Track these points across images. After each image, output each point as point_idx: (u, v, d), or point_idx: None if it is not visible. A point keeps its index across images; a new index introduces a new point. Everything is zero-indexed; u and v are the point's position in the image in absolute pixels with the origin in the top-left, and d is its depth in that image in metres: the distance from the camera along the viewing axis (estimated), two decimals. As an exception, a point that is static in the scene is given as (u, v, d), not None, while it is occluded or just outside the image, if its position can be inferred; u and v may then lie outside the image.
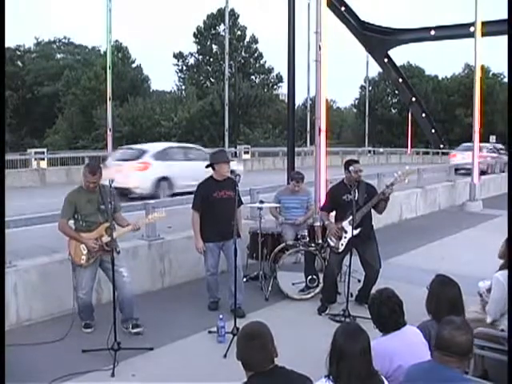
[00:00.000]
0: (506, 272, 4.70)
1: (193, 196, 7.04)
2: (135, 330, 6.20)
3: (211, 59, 56.55)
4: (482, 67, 30.70)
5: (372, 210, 7.00)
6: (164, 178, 15.71)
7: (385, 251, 7.42)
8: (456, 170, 19.20)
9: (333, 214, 7.30)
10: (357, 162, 7.14)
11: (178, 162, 16.43)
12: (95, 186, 6.06)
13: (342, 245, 6.92)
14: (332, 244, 7.03)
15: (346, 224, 6.86)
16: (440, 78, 65.14)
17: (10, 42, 55.42)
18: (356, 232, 6.68)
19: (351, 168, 6.87)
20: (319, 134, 9.65)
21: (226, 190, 6.80)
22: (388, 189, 6.84)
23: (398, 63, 46.04)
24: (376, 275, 6.99)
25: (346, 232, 6.87)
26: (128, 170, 15.13)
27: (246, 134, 48.77)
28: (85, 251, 6.04)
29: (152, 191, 15.10)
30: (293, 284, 7.45)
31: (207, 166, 7.06)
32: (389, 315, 3.81)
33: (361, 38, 40.82)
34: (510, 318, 4.19)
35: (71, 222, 6.16)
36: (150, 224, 7.69)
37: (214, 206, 6.77)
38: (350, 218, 6.67)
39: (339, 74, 68.43)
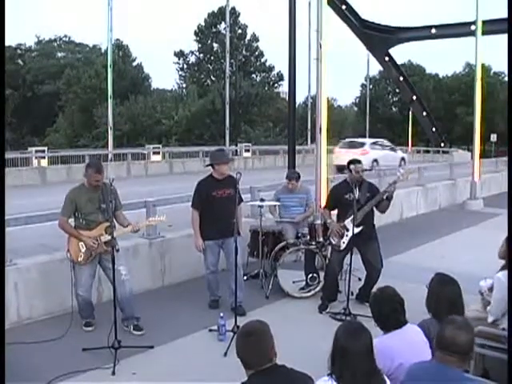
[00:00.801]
0: (507, 272, 4.69)
1: (192, 194, 7.04)
2: (136, 332, 6.19)
3: (212, 57, 56.57)
4: (483, 66, 30.63)
5: (374, 210, 7.01)
6: (375, 160, 25.62)
7: (385, 250, 7.41)
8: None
9: (335, 212, 7.30)
10: (359, 161, 7.15)
11: (380, 150, 27.90)
12: (99, 183, 6.06)
13: (344, 243, 6.93)
14: (334, 242, 7.03)
15: (347, 222, 6.87)
16: (441, 76, 65.17)
17: (10, 40, 55.55)
18: (357, 230, 6.69)
19: (352, 167, 6.91)
20: (320, 133, 9.64)
21: (226, 189, 6.80)
22: (390, 187, 6.85)
23: (399, 62, 45.97)
24: (377, 275, 6.99)
25: (347, 230, 6.88)
26: (355, 155, 19.05)
27: (247, 132, 48.81)
28: (83, 249, 6.04)
29: (369, 167, 22.23)
30: (293, 282, 7.45)
31: (207, 166, 7.07)
32: (390, 313, 3.81)
33: (361, 36, 40.75)
34: (510, 317, 4.19)
35: (71, 219, 6.16)
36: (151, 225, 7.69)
37: (214, 205, 6.77)
38: (352, 216, 6.68)
39: (340, 73, 68.36)
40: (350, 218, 6.77)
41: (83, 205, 6.05)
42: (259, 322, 3.24)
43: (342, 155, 22.38)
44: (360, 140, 30.28)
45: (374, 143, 28.87)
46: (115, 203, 6.16)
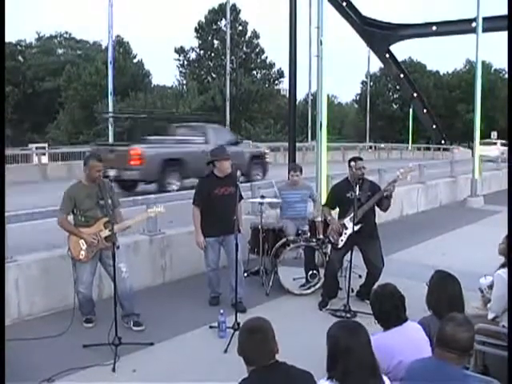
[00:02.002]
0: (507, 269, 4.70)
1: (194, 192, 7.04)
2: (136, 328, 6.21)
3: (212, 54, 56.45)
4: (484, 63, 30.59)
5: (375, 208, 7.02)
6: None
7: (386, 247, 7.41)
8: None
9: (336, 210, 7.30)
10: (360, 159, 7.16)
11: None
12: (101, 174, 6.07)
13: (342, 241, 6.94)
14: (332, 240, 7.04)
15: (347, 220, 6.87)
16: (441, 73, 65.10)
17: (11, 36, 55.51)
18: (356, 228, 6.68)
19: (353, 164, 6.91)
20: (320, 130, 9.64)
21: (227, 187, 6.81)
22: (390, 186, 6.86)
23: (400, 58, 45.92)
24: (379, 273, 6.99)
25: (346, 228, 6.89)
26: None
27: (248, 129, 48.72)
28: (84, 246, 6.04)
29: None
30: (294, 279, 7.46)
31: (208, 163, 7.08)
32: (391, 311, 3.81)
33: (362, 33, 40.71)
34: (510, 314, 4.20)
35: (70, 217, 6.16)
36: (150, 219, 7.70)
37: (215, 202, 6.78)
38: (352, 214, 6.68)
39: (340, 70, 68.38)
40: (350, 216, 6.78)
41: (82, 201, 6.06)
42: (261, 319, 3.25)
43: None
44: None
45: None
46: (113, 200, 6.17)
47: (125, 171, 14.89)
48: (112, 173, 14.44)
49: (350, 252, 6.96)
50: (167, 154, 15.59)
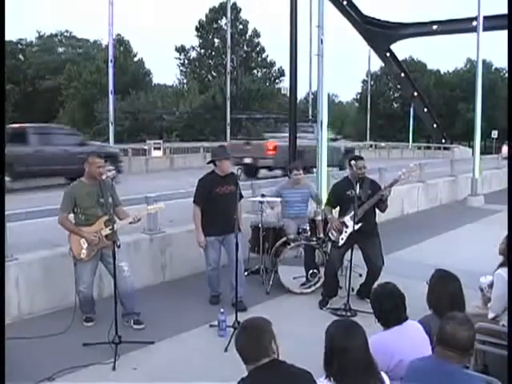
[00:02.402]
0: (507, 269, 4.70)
1: (194, 190, 7.05)
2: (137, 327, 6.21)
3: (213, 53, 56.50)
4: (484, 62, 30.61)
5: (375, 207, 7.03)
6: None
7: (386, 246, 7.41)
8: None
9: (337, 209, 7.30)
10: (361, 158, 7.16)
11: None
12: (101, 170, 6.07)
13: (342, 239, 6.94)
14: (332, 238, 7.05)
15: (347, 219, 6.88)
16: (442, 72, 65.19)
17: (11, 35, 55.50)
18: (357, 227, 6.69)
19: (353, 163, 6.92)
20: (321, 128, 9.64)
21: (228, 186, 6.82)
22: (386, 191, 6.87)
23: (400, 57, 45.98)
24: (378, 272, 7.00)
25: (346, 226, 6.89)
26: None
27: (248, 127, 48.71)
28: (85, 245, 6.04)
29: None
30: (294, 278, 7.46)
31: (208, 163, 7.08)
32: (391, 310, 3.81)
33: (363, 32, 40.71)
34: (510, 313, 4.20)
35: (71, 216, 6.16)
36: (151, 216, 7.70)
37: (216, 201, 6.78)
38: (352, 213, 6.69)
39: (341, 69, 68.40)
40: (350, 215, 6.78)
41: (82, 199, 6.06)
42: (260, 318, 3.25)
43: None
44: None
45: None
46: (114, 199, 6.17)
47: (261, 159, 19.07)
48: (248, 160, 18.89)
49: (350, 251, 6.96)
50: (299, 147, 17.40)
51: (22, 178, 15.93)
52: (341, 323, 3.40)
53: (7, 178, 13.94)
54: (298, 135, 17.37)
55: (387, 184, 7.03)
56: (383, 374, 3.22)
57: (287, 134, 17.52)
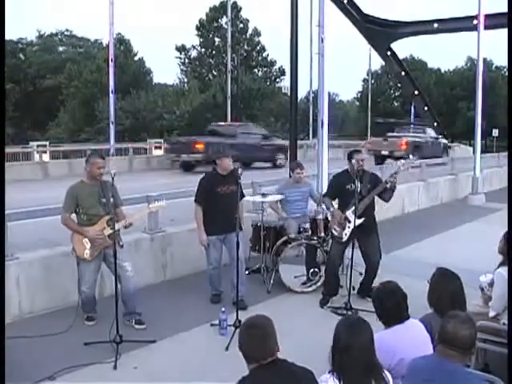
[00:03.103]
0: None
1: (196, 189, 7.04)
2: (138, 327, 6.21)
3: (213, 52, 56.42)
4: (485, 60, 30.51)
5: (376, 200, 7.01)
6: None
7: (387, 244, 7.42)
8: None
9: (335, 202, 7.29)
10: (359, 151, 7.17)
11: None
12: (102, 171, 6.06)
13: (346, 234, 6.91)
14: (336, 233, 7.02)
15: (349, 214, 6.85)
16: (443, 71, 65.04)
17: (11, 34, 55.47)
18: (359, 222, 6.68)
19: (353, 157, 6.91)
20: (321, 127, 9.64)
21: (230, 185, 6.81)
22: (392, 178, 6.85)
23: (401, 56, 45.79)
24: (376, 266, 7.01)
25: (349, 222, 6.86)
26: None
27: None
28: (88, 245, 6.04)
29: None
30: (295, 277, 7.46)
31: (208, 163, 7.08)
32: (392, 308, 3.81)
33: (363, 30, 40.59)
34: (510, 312, 4.20)
35: (73, 216, 6.16)
36: (152, 215, 7.70)
37: (218, 201, 6.77)
38: (353, 208, 6.67)
39: (342, 67, 68.22)
40: (352, 210, 6.76)
41: (84, 199, 6.06)
42: (262, 317, 3.25)
43: None
44: None
45: None
46: (115, 199, 6.16)
47: (396, 151, 24.17)
48: (385, 152, 25.08)
49: (351, 249, 6.95)
50: (416, 142, 26.00)
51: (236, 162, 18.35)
52: (349, 320, 3.44)
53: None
54: (413, 134, 27.87)
55: (390, 175, 7.00)
56: (387, 373, 3.22)
57: (413, 134, 27.87)
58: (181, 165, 22.59)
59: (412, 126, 32.71)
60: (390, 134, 28.41)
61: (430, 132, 29.70)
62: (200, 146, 21.10)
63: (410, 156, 7.50)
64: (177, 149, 22.75)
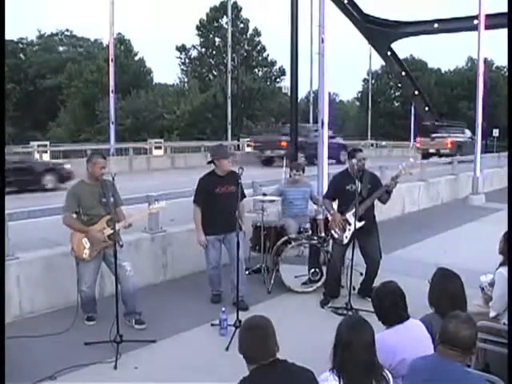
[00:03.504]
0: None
1: (194, 190, 7.04)
2: (138, 327, 6.20)
3: (214, 52, 56.48)
4: (485, 60, 30.48)
5: (375, 202, 7.00)
6: None
7: (387, 244, 7.41)
8: None
9: (334, 203, 7.28)
10: (360, 150, 7.15)
11: None
12: (104, 171, 6.06)
13: (347, 237, 6.89)
14: (336, 236, 7.00)
15: (349, 216, 6.83)
16: (443, 71, 65.09)
17: (12, 34, 55.54)
18: (360, 225, 6.67)
19: (353, 156, 6.89)
20: (322, 127, 9.63)
21: (229, 185, 6.79)
22: (393, 182, 6.83)
23: (401, 56, 45.86)
24: (377, 266, 7.00)
25: (349, 224, 6.85)
26: None
27: (249, 126, 48.70)
28: (87, 245, 6.04)
29: None
30: (295, 277, 7.45)
31: (208, 163, 7.07)
32: (391, 308, 3.81)
33: (364, 30, 40.62)
34: (511, 312, 4.19)
35: (73, 216, 6.15)
36: (152, 215, 7.70)
37: (216, 201, 6.76)
38: (354, 210, 6.66)
39: (342, 67, 68.23)
40: (352, 211, 6.75)
41: (85, 199, 6.06)
42: (262, 317, 3.25)
43: None
44: None
45: None
46: (115, 198, 6.16)
47: (442, 150, 29.56)
48: (432, 150, 30.36)
49: (351, 249, 6.94)
50: (458, 141, 30.88)
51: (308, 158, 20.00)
52: (350, 319, 3.47)
53: (303, 159, 18.66)
54: (455, 134, 32.41)
55: (391, 178, 6.99)
56: (387, 373, 3.22)
57: (454, 134, 32.43)
58: (262, 160, 27.73)
59: (453, 127, 36.75)
60: (434, 134, 33.08)
61: (468, 132, 32.69)
62: (284, 144, 24.73)
63: (411, 159, 7.45)
64: (261, 146, 28.31)
